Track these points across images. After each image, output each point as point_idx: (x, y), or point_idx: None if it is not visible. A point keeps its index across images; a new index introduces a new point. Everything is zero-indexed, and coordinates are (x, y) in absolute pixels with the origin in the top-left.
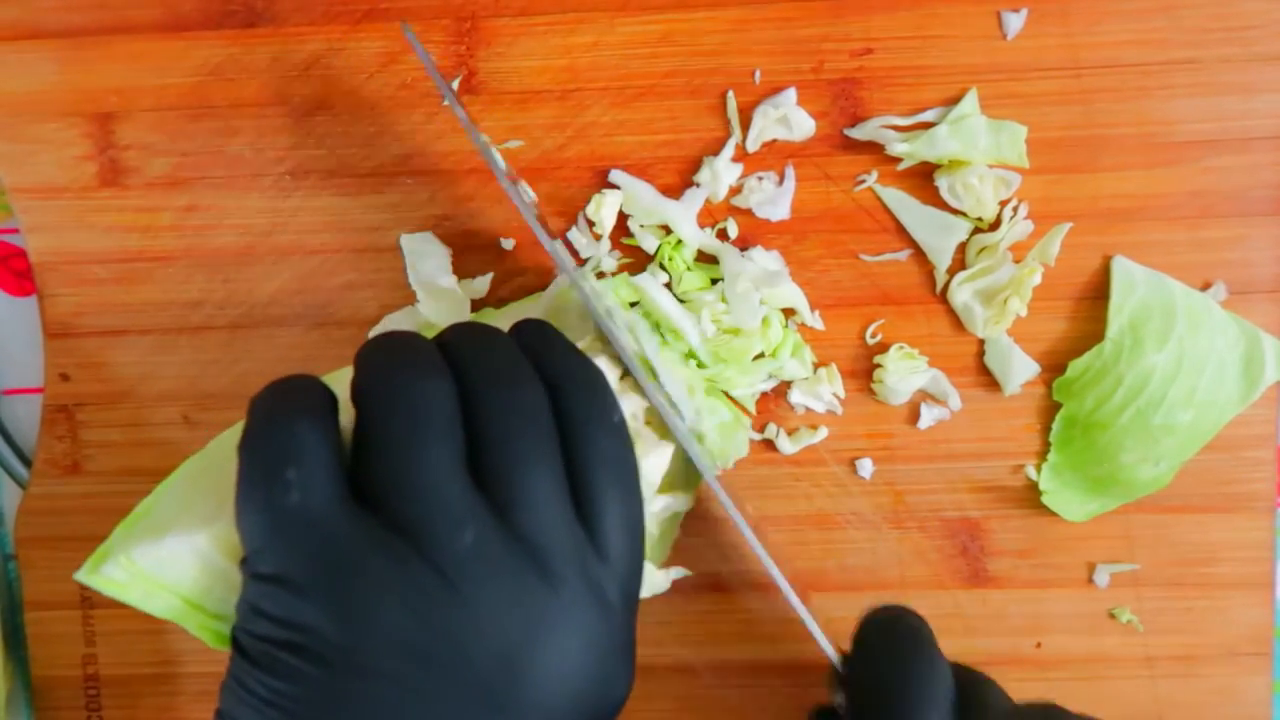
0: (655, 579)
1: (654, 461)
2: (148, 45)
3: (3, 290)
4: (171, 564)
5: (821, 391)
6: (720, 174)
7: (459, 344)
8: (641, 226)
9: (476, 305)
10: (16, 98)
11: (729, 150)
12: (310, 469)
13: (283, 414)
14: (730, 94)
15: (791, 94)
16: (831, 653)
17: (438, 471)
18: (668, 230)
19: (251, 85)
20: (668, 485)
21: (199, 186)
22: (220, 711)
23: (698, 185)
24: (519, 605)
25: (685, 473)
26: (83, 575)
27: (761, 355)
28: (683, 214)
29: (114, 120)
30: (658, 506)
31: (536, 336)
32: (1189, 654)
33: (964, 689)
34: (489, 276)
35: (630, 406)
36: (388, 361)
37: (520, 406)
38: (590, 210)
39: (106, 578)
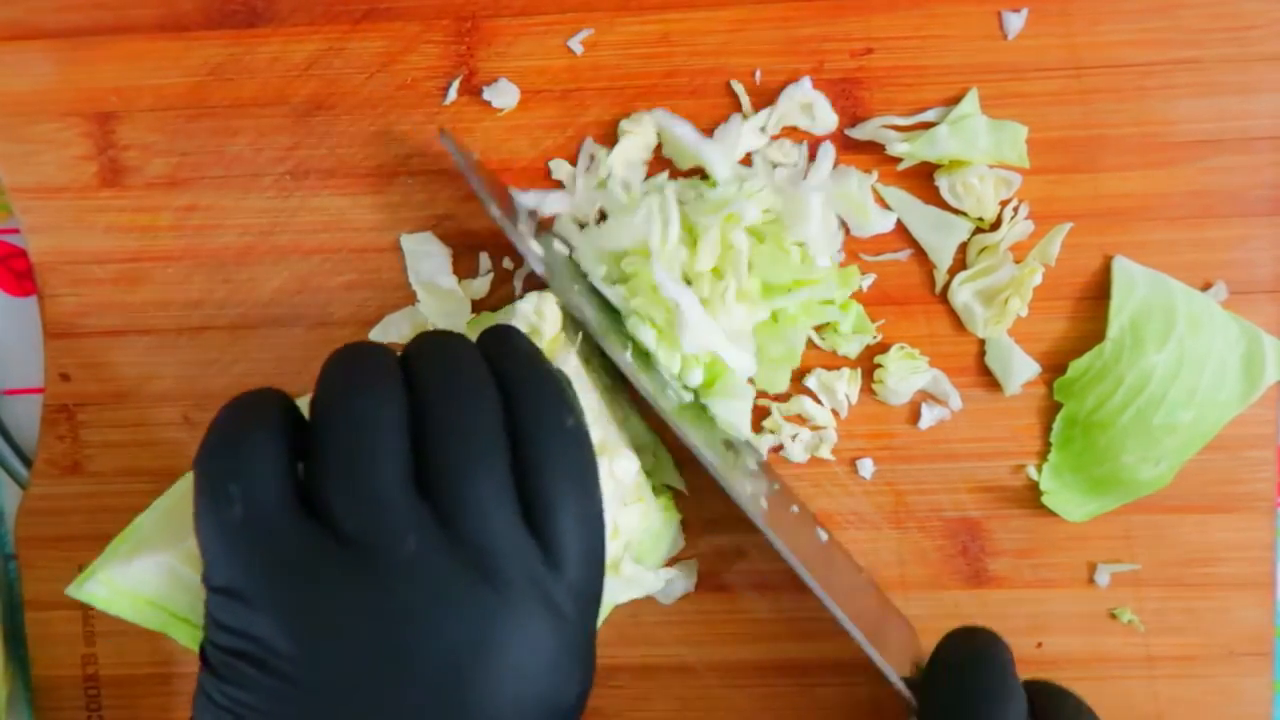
0: (647, 580)
1: (624, 466)
2: (148, 45)
3: (3, 290)
4: (147, 581)
5: (839, 387)
6: (742, 134)
7: (417, 353)
8: (672, 189)
9: (478, 306)
10: (16, 98)
11: (746, 119)
12: (254, 483)
13: (232, 429)
14: (736, 83)
15: (808, 82)
16: (901, 686)
17: (378, 481)
18: (703, 177)
19: (251, 85)
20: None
21: (199, 186)
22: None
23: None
24: (464, 612)
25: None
26: (72, 590)
27: (830, 304)
28: (720, 154)
29: (114, 120)
30: (633, 517)
31: (497, 342)
32: (1189, 654)
33: (1041, 704)
34: (489, 276)
35: (599, 433)
36: (339, 373)
37: (466, 415)
38: (617, 149)
39: (90, 594)
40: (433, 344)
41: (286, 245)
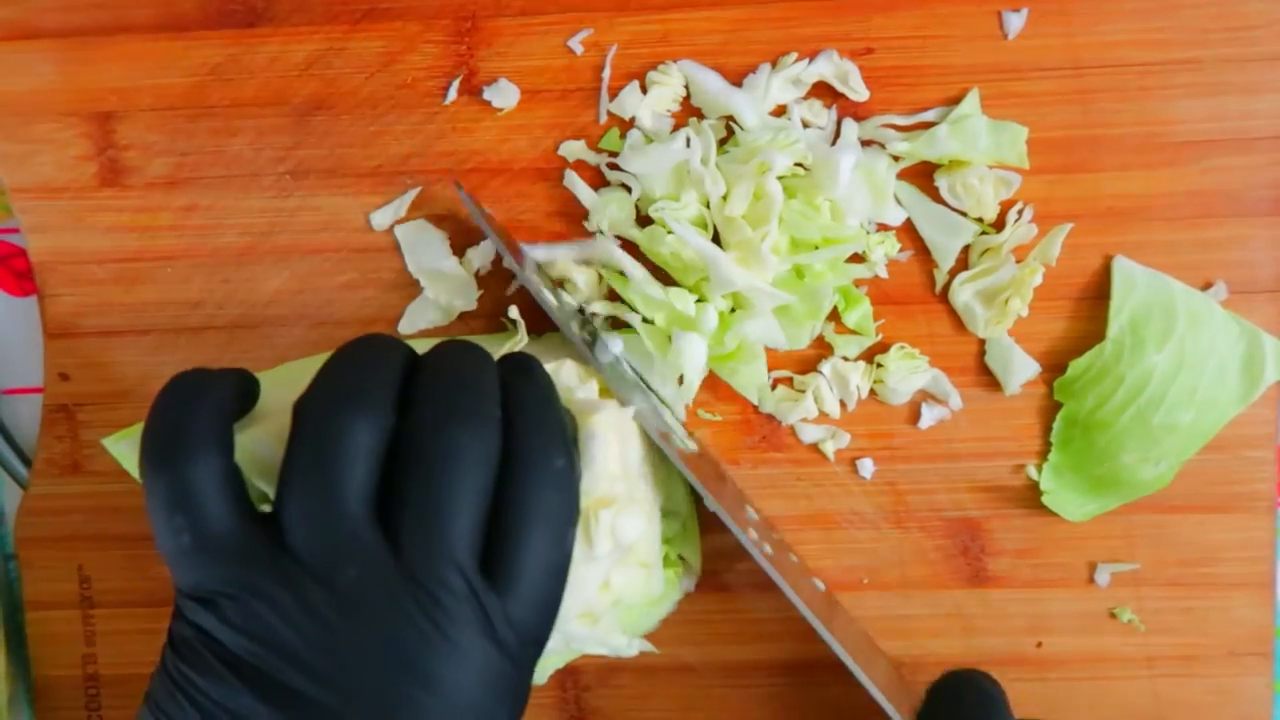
0: (618, 642)
1: (628, 524)
2: (147, 45)
3: (3, 290)
4: None
5: (852, 378)
6: (773, 85)
7: (427, 368)
8: (708, 123)
9: (483, 283)
10: (16, 98)
11: (777, 70)
12: (200, 514)
13: (172, 447)
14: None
15: (835, 54)
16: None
17: (332, 508)
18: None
19: (251, 85)
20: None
21: (199, 186)
22: (149, 693)
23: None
24: (400, 643)
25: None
26: (108, 441)
27: (857, 260)
28: (749, 103)
29: (114, 120)
30: (627, 577)
31: (515, 369)
32: (1189, 654)
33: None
34: (489, 243)
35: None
36: (330, 378)
37: (447, 452)
38: (648, 96)
39: (120, 453)
40: (444, 363)
41: (286, 245)
